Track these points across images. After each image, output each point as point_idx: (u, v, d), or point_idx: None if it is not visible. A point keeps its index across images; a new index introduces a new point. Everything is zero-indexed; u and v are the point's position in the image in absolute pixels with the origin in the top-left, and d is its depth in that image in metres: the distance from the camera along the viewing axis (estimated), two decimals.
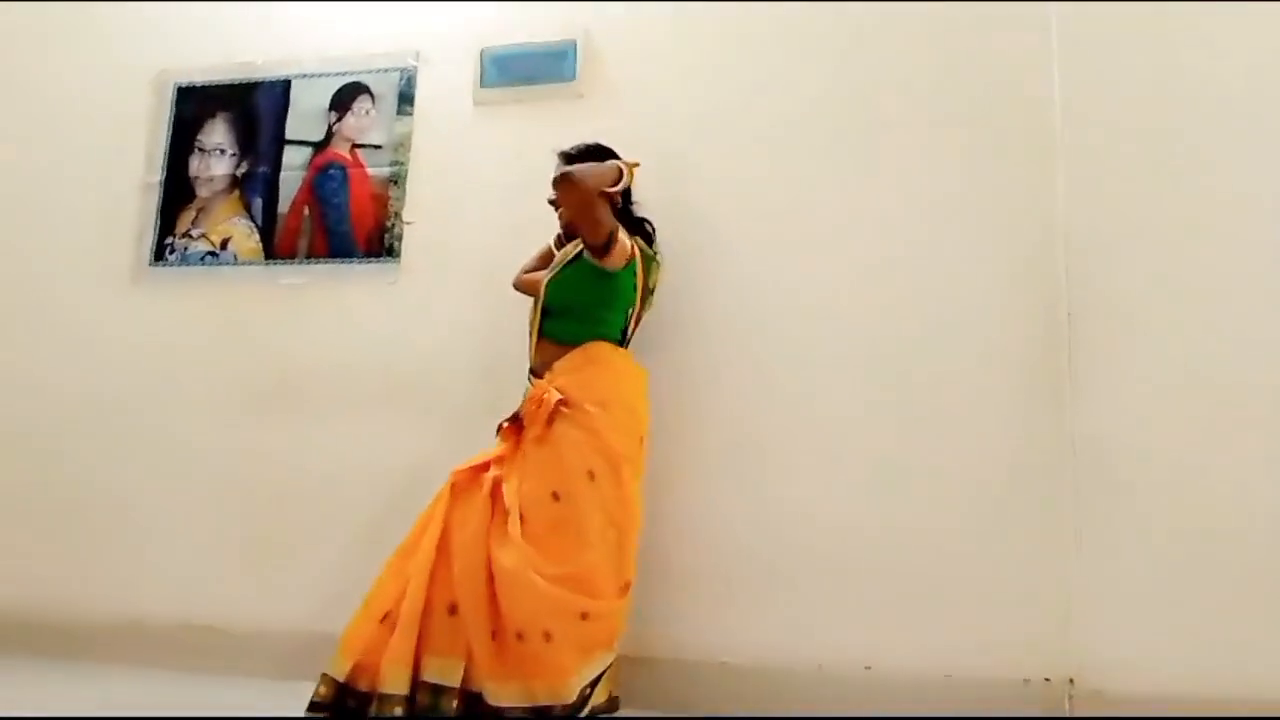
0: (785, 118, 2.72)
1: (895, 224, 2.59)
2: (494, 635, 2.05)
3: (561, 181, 2.26)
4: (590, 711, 2.09)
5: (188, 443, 2.97)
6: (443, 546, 2.14)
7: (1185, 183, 2.42)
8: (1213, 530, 2.26)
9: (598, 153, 2.42)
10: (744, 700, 2.39)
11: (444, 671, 2.05)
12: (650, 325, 2.56)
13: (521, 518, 2.13)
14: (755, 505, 2.52)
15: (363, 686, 2.06)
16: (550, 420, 2.22)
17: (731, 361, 2.62)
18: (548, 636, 2.03)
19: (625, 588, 2.19)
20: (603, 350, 2.35)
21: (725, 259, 2.68)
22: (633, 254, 2.35)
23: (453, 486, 2.23)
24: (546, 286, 2.39)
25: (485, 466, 2.25)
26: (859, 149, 2.65)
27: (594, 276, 2.34)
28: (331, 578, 2.76)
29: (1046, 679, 2.28)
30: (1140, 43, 2.51)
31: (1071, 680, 2.27)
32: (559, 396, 2.23)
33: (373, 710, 2.02)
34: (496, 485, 2.19)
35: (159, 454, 2.98)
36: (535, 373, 2.35)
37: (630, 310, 2.42)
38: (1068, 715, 2.25)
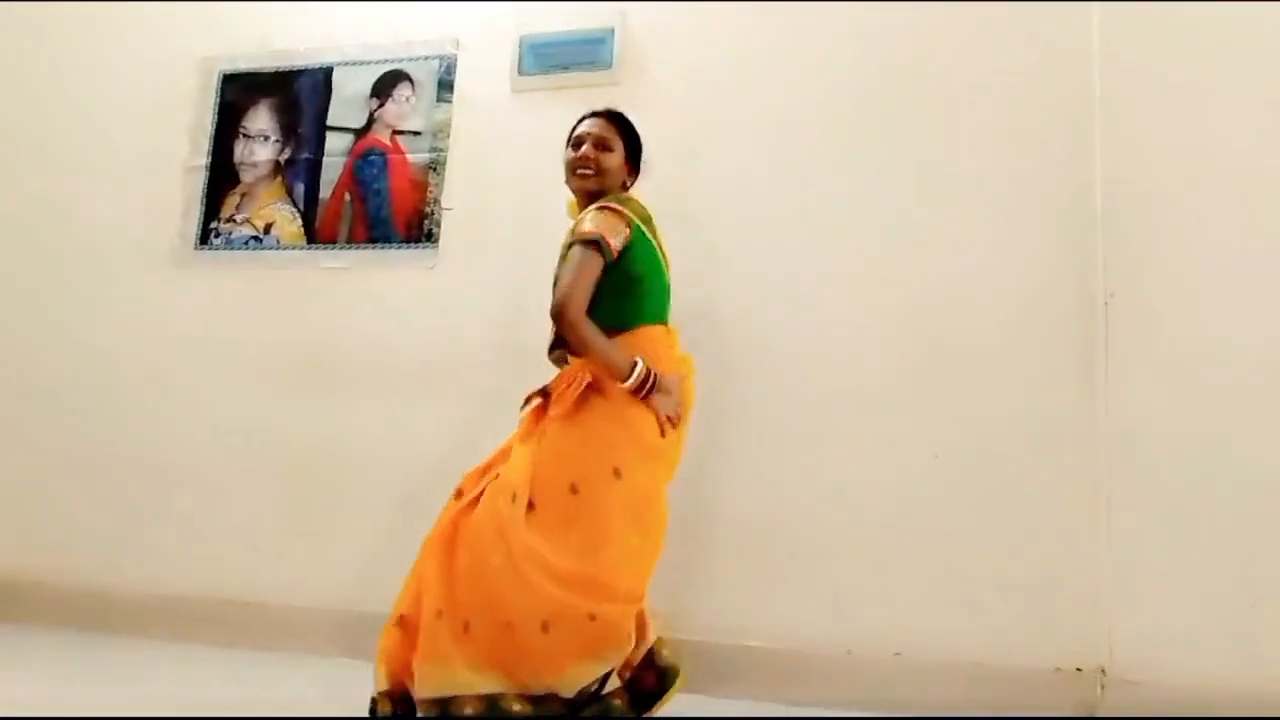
0: (823, 100, 2.73)
1: (931, 205, 2.59)
2: (465, 628, 1.93)
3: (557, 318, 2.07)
4: (603, 710, 1.93)
5: (229, 423, 3.03)
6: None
7: (1225, 163, 2.40)
8: (1248, 517, 2.24)
9: (630, 128, 2.33)
10: (772, 685, 2.40)
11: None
12: (682, 307, 2.57)
13: (532, 504, 2.00)
14: (784, 490, 2.54)
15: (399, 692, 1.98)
16: (579, 404, 2.06)
17: (761, 344, 2.63)
18: (545, 628, 1.91)
19: (638, 598, 2.03)
20: (650, 335, 2.16)
21: (761, 240, 2.69)
22: (627, 240, 2.13)
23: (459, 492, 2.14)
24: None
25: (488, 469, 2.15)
26: (897, 130, 2.65)
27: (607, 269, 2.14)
28: (368, 557, 2.82)
29: (1078, 668, 2.28)
30: (1181, 20, 2.48)
31: (1103, 670, 2.27)
32: (590, 379, 2.07)
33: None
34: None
35: (201, 434, 3.05)
36: (560, 362, 2.23)
37: (667, 281, 2.27)
38: (1099, 704, 2.25)
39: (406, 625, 2.00)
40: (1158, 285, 2.39)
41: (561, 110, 2.90)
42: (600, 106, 2.36)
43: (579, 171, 2.26)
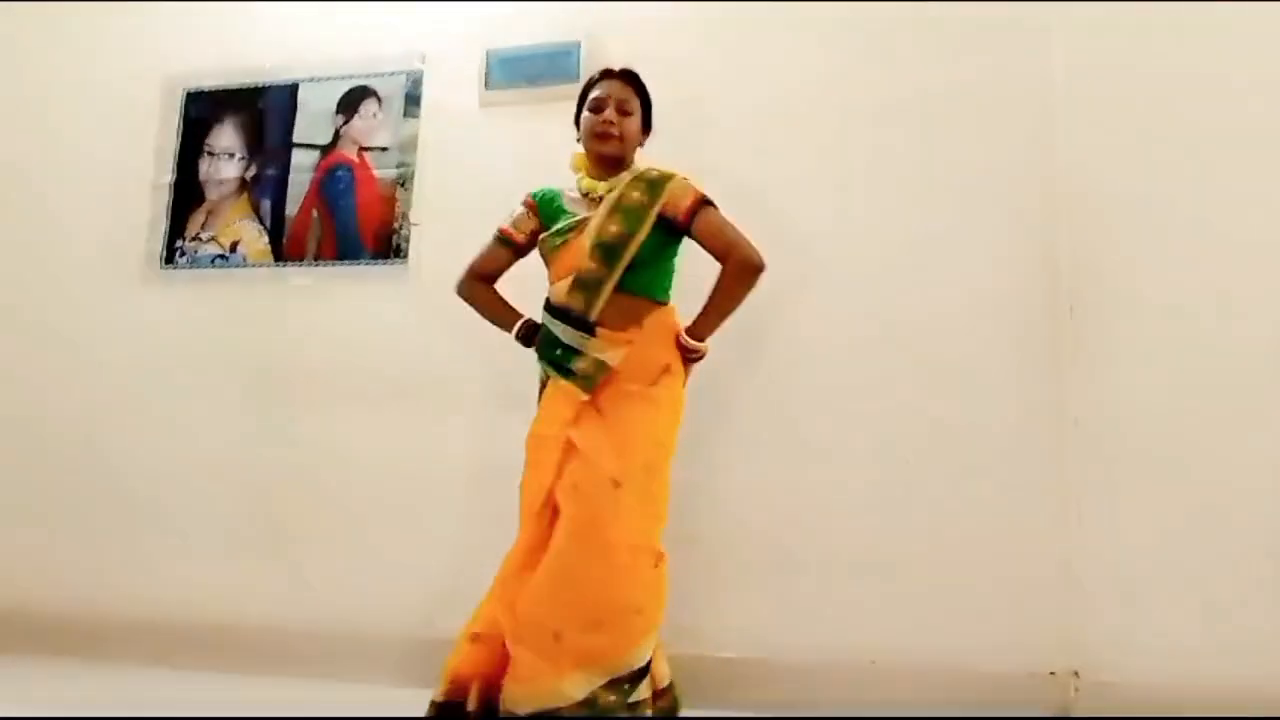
0: (786, 113, 2.74)
1: (897, 210, 2.61)
2: (556, 638, 1.95)
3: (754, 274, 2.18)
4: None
5: (198, 443, 3.00)
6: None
7: (1187, 167, 2.43)
8: (1219, 518, 2.27)
9: (643, 86, 2.34)
10: (746, 694, 2.40)
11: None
12: None
13: (616, 483, 2.02)
14: (755, 498, 2.54)
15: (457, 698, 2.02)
16: (655, 381, 2.13)
17: (732, 353, 2.63)
18: (639, 610, 1.99)
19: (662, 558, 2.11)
20: (672, 313, 2.24)
21: None
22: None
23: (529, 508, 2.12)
24: (644, 244, 2.18)
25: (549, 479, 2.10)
26: (860, 136, 2.68)
27: (669, 236, 2.22)
28: (339, 576, 2.80)
29: (1051, 672, 2.30)
30: (1142, 28, 2.52)
31: (1076, 673, 2.28)
32: (670, 360, 2.15)
33: None
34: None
35: (169, 455, 3.01)
36: (601, 323, 2.14)
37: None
38: (1073, 707, 2.26)
39: (480, 641, 2.05)
40: (1122, 290, 2.42)
41: (529, 123, 2.92)
42: (616, 66, 2.33)
43: (600, 135, 2.24)
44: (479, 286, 2.37)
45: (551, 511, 2.07)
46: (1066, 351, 2.43)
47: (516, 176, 2.86)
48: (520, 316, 2.31)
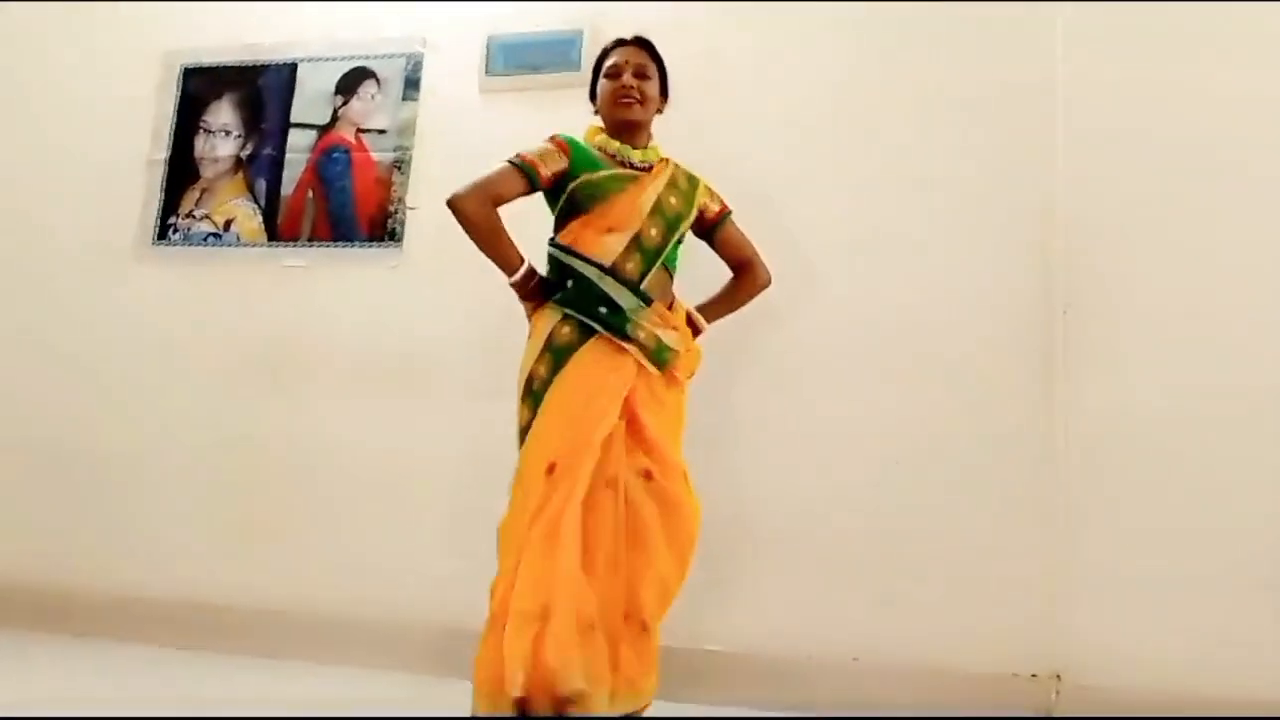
0: (789, 108, 2.74)
1: (894, 214, 2.61)
2: (644, 628, 1.91)
3: None
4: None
5: (187, 423, 2.98)
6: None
7: (1185, 176, 2.45)
8: (1203, 525, 2.29)
9: (658, 55, 2.27)
10: (730, 689, 2.40)
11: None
12: None
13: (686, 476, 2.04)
14: (742, 494, 2.54)
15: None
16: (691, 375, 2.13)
17: (720, 351, 2.63)
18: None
19: None
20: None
21: None
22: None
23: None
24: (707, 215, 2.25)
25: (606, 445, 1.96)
26: (861, 140, 2.68)
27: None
28: (326, 558, 2.78)
29: (1033, 675, 2.30)
30: (1142, 34, 2.53)
31: (1058, 676, 2.29)
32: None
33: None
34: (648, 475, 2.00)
35: (158, 434, 3.00)
36: (648, 297, 2.06)
37: None
38: (1055, 709, 2.26)
39: (593, 632, 1.84)
40: (1117, 292, 2.43)
41: (528, 111, 2.90)
42: (629, 35, 2.27)
43: (623, 100, 2.17)
44: (494, 211, 2.11)
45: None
46: (1059, 353, 2.43)
47: None
48: (524, 259, 2.11)
